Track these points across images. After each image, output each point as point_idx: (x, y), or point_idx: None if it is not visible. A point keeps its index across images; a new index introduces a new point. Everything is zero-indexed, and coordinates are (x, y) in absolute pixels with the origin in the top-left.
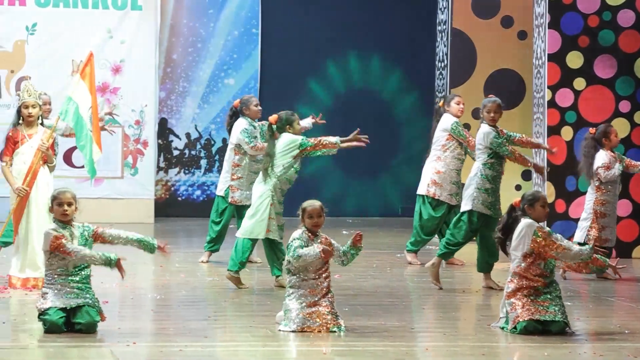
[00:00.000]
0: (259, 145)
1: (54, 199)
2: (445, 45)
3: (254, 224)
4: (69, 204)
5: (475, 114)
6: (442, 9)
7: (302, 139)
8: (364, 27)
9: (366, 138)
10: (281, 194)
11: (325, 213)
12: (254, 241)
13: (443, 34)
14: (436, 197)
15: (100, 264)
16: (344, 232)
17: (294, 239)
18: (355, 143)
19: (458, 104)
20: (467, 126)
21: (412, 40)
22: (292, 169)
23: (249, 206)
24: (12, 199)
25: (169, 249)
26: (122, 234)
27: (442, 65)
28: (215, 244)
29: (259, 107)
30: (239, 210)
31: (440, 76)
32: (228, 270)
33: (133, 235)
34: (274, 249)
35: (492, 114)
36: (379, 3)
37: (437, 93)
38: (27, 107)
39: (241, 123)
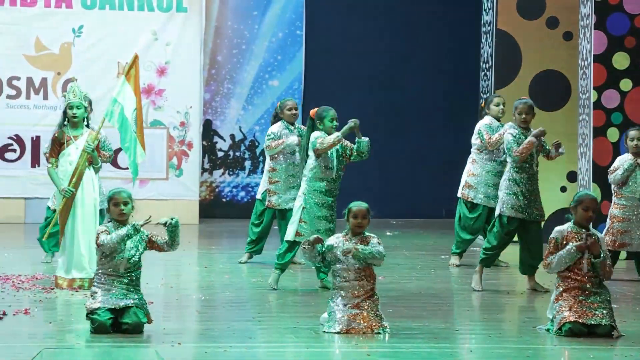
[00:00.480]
0: (272, 144)
1: (110, 199)
2: (490, 47)
3: (289, 226)
4: (125, 204)
5: None
6: (487, 10)
7: (316, 138)
8: (408, 28)
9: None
10: (321, 194)
11: (370, 216)
12: (292, 243)
13: (488, 35)
14: (469, 200)
15: (129, 235)
16: (388, 233)
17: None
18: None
19: (497, 106)
20: None
21: (457, 41)
22: (318, 168)
23: (291, 209)
24: (58, 200)
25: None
26: (165, 240)
27: (487, 66)
28: (254, 245)
29: (293, 112)
30: (282, 214)
31: (485, 77)
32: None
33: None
34: None
35: (523, 115)
36: (423, 4)
37: (481, 94)
38: (72, 108)
39: (274, 126)
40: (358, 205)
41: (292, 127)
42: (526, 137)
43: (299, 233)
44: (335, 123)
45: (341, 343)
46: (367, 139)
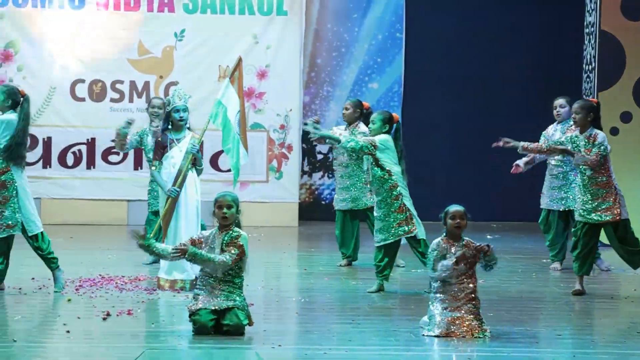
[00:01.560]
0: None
1: (215, 201)
2: (593, 48)
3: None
4: (229, 207)
5: (625, 117)
6: (590, 11)
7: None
8: (509, 29)
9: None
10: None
11: (468, 218)
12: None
13: (591, 36)
14: (541, 206)
15: (218, 269)
16: (488, 236)
17: (432, 250)
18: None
19: (555, 109)
20: (615, 130)
21: (557, 42)
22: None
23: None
24: (162, 201)
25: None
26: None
27: (590, 68)
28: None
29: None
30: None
31: (588, 79)
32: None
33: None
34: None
35: (574, 116)
36: (523, 4)
37: (583, 96)
38: (177, 111)
39: (363, 128)
40: (455, 207)
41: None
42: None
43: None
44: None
45: (441, 346)
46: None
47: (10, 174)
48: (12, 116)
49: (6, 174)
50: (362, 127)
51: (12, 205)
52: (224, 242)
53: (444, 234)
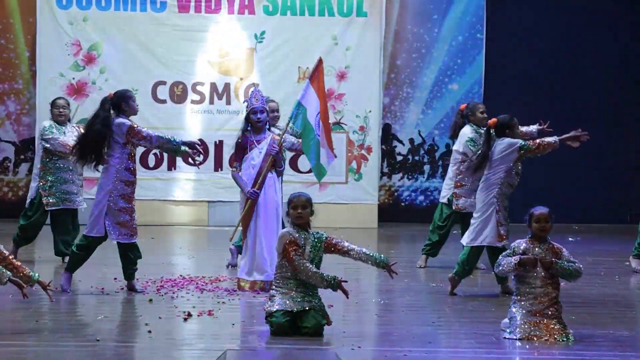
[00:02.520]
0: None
1: (290, 202)
2: None
3: (480, 230)
4: (304, 207)
5: None
6: None
7: (521, 142)
8: (591, 27)
9: (586, 133)
10: (505, 198)
11: (552, 220)
12: (480, 248)
13: None
14: None
15: (323, 285)
16: (570, 239)
17: (510, 247)
18: (574, 143)
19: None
20: None
21: None
22: (514, 173)
23: (471, 214)
24: (242, 203)
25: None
26: (356, 248)
27: None
28: (432, 247)
29: (485, 115)
30: (463, 218)
31: None
32: (453, 273)
33: (366, 251)
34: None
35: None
36: (610, 3)
37: None
38: (255, 112)
39: (466, 131)
40: (540, 210)
41: (481, 132)
42: None
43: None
44: None
45: (522, 350)
46: None
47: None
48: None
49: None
50: (467, 128)
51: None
52: (316, 245)
53: (529, 236)
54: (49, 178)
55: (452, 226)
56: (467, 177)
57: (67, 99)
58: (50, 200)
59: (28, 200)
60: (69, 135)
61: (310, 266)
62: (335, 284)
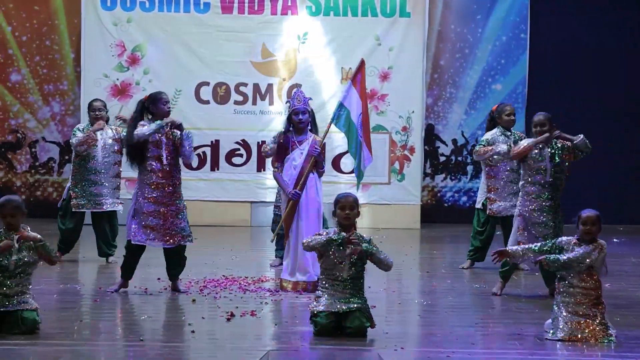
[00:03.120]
0: (481, 150)
1: (337, 202)
2: None
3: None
4: (351, 208)
5: None
6: None
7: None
8: (637, 27)
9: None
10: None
11: (600, 223)
12: None
13: None
14: None
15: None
16: (615, 240)
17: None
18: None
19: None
20: None
21: None
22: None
23: (511, 216)
24: (284, 203)
25: None
26: (384, 259)
27: None
28: (476, 252)
29: (512, 118)
30: (504, 221)
31: None
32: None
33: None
34: None
35: None
36: None
37: None
38: (297, 113)
39: (490, 132)
40: (588, 212)
41: (509, 133)
42: None
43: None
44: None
45: (565, 351)
46: (581, 136)
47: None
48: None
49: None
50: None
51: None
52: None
53: (577, 237)
54: (79, 180)
55: (492, 230)
56: (501, 181)
57: (103, 100)
58: (80, 202)
59: (60, 201)
60: (101, 138)
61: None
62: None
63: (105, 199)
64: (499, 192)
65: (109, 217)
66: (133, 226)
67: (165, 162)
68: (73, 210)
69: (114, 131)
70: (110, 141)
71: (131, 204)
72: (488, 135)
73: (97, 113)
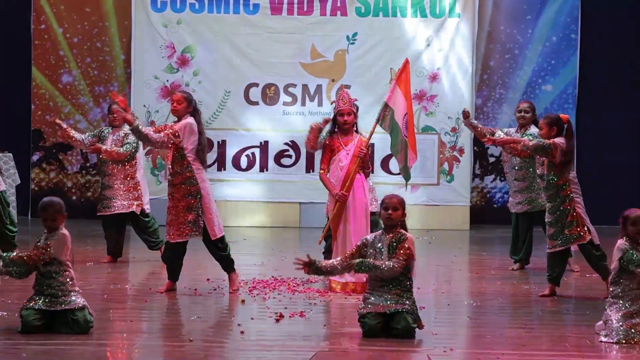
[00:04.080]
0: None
1: (382, 202)
2: None
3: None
4: (394, 209)
5: None
6: None
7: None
8: None
9: None
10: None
11: None
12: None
13: None
14: None
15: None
16: None
17: (624, 250)
18: None
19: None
20: None
21: None
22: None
23: (517, 213)
24: (331, 204)
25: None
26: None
27: None
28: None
29: (521, 114)
30: (515, 217)
31: None
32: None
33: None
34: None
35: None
36: None
37: None
38: (342, 114)
39: (533, 130)
40: (637, 212)
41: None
42: None
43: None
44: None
45: (618, 354)
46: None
47: (194, 179)
48: (192, 120)
49: (190, 179)
50: (532, 129)
51: (195, 210)
52: (392, 245)
53: (625, 238)
54: (100, 183)
55: (527, 229)
56: (509, 179)
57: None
58: (99, 206)
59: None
60: (109, 137)
61: (347, 262)
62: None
63: (114, 201)
64: (510, 189)
65: (133, 218)
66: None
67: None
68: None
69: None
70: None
71: (203, 201)
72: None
73: (115, 115)
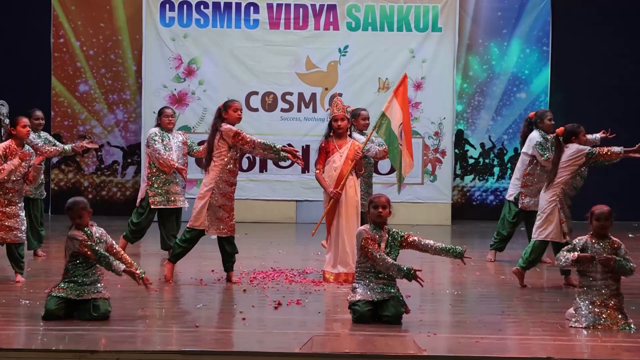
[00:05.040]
0: (552, 157)
1: (371, 202)
2: None
3: (546, 227)
4: (384, 207)
5: None
6: None
7: (589, 149)
8: None
9: None
10: (568, 198)
11: (613, 218)
12: (545, 243)
13: None
14: None
15: (400, 275)
16: (630, 235)
17: (572, 243)
18: (637, 155)
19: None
20: None
21: None
22: (578, 177)
23: (535, 212)
24: (325, 202)
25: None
26: (432, 244)
27: None
28: (500, 242)
29: (553, 122)
30: (528, 216)
31: None
32: (518, 266)
33: (441, 245)
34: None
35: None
36: None
37: None
38: (336, 120)
39: (535, 136)
40: (601, 208)
41: (548, 137)
42: None
43: (566, 232)
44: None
45: (587, 337)
46: None
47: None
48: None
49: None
50: (534, 132)
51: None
52: (391, 241)
53: (590, 233)
54: (156, 180)
55: (519, 223)
56: (535, 179)
57: (172, 108)
58: (157, 199)
59: (138, 200)
60: (174, 142)
61: (388, 258)
62: (411, 275)
63: (179, 196)
64: (531, 189)
65: (177, 214)
66: (207, 217)
67: (237, 163)
68: (152, 207)
69: (183, 136)
70: (181, 145)
71: (204, 197)
72: (537, 138)
73: (170, 119)
